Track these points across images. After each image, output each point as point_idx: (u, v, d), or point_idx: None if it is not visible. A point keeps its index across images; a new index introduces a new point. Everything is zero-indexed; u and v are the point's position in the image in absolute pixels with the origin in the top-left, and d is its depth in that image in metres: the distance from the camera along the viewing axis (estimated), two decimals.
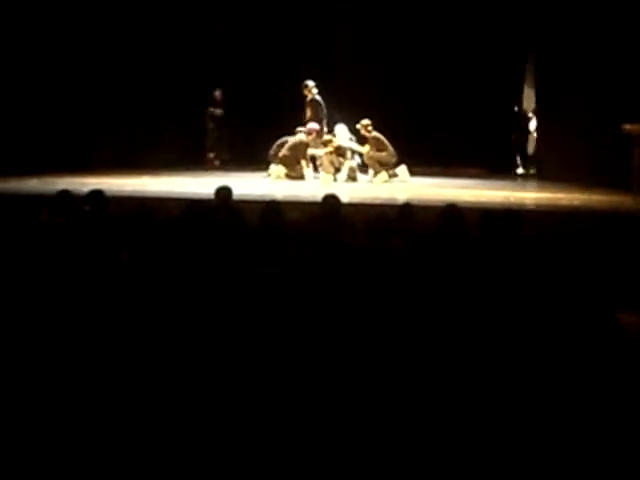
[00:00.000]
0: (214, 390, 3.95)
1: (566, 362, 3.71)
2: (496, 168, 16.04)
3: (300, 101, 14.41)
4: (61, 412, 3.90)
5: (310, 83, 14.32)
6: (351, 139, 13.96)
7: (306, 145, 13.77)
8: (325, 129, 14.11)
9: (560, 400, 3.59)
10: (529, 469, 3.48)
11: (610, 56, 13.33)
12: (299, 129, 14.03)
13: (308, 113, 14.18)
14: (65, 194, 7.80)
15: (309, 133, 13.83)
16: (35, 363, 4.20)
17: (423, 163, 15.17)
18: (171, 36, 16.01)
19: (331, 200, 7.57)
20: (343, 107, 14.61)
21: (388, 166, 13.54)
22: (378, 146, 13.53)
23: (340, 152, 13.71)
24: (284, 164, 13.72)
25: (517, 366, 3.84)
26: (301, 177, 13.64)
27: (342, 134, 13.91)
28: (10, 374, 4.13)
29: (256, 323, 4.28)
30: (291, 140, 13.86)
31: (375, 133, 13.62)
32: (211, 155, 16.14)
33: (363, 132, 13.60)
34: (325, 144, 13.77)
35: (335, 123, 14.12)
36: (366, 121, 13.61)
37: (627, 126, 12.00)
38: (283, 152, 13.78)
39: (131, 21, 15.38)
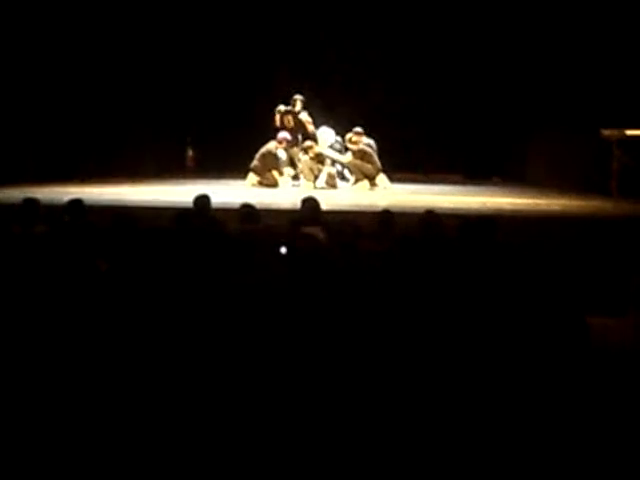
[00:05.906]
0: (201, 398, 3.95)
1: (534, 362, 3.75)
2: (475, 174, 16.16)
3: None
4: (37, 428, 3.88)
5: (299, 97, 14.34)
6: (337, 141, 13.94)
7: (275, 154, 13.87)
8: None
9: (529, 400, 3.64)
10: (508, 468, 3.52)
11: (588, 62, 13.43)
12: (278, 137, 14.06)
13: (296, 126, 14.20)
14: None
15: (279, 142, 13.95)
16: (20, 369, 4.20)
17: (403, 170, 15.29)
18: (153, 51, 16.08)
19: (310, 203, 7.59)
20: (328, 114, 14.67)
21: (370, 178, 13.56)
22: (365, 158, 13.54)
23: (320, 159, 13.75)
24: (255, 173, 13.85)
25: (491, 367, 3.88)
26: (274, 185, 13.70)
27: (325, 138, 13.94)
28: None
29: (239, 331, 4.29)
30: (260, 150, 13.95)
31: (362, 146, 13.58)
32: None
33: (350, 145, 13.61)
34: (305, 151, 13.81)
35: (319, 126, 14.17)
36: (351, 135, 13.61)
37: (606, 131, 12.09)
38: (254, 162, 13.90)
39: (115, 35, 15.39)
